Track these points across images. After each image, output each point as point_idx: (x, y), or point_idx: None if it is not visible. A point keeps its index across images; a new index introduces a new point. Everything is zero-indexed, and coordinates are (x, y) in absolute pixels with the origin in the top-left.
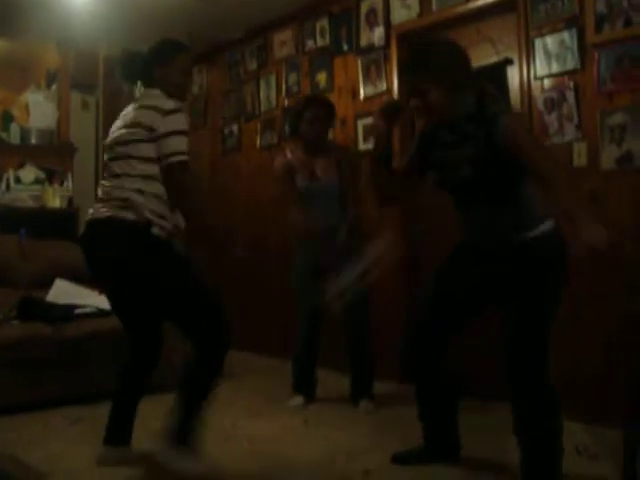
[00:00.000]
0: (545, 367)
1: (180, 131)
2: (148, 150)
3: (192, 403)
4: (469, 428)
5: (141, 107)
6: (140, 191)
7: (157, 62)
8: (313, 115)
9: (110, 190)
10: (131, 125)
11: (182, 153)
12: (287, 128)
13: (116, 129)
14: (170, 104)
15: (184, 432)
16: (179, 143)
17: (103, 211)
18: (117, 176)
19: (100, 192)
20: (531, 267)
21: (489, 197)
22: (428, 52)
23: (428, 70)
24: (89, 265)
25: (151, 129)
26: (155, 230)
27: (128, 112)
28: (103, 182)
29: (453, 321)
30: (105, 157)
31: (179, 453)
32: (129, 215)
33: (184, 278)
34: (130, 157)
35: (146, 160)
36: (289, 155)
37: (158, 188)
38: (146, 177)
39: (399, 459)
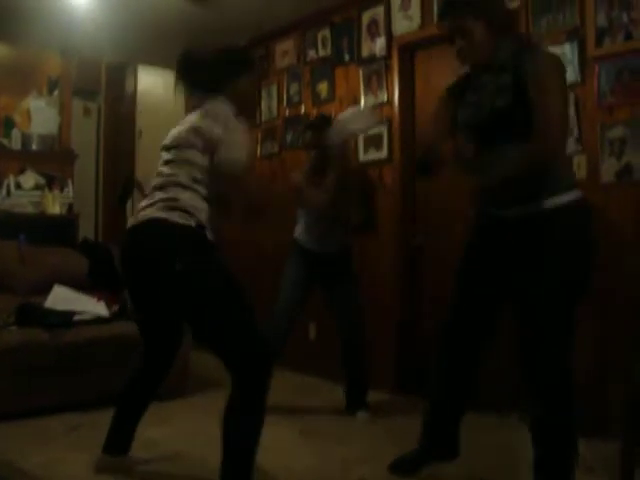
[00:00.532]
0: (568, 361)
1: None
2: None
3: (240, 454)
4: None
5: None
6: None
7: (232, 72)
8: (309, 140)
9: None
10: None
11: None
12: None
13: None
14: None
15: None
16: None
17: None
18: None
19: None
20: (550, 244)
21: (519, 135)
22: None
23: (471, 5)
24: (129, 268)
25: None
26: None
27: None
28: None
29: (482, 319)
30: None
31: None
32: (185, 218)
33: (235, 298)
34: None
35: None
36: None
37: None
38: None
39: (396, 467)
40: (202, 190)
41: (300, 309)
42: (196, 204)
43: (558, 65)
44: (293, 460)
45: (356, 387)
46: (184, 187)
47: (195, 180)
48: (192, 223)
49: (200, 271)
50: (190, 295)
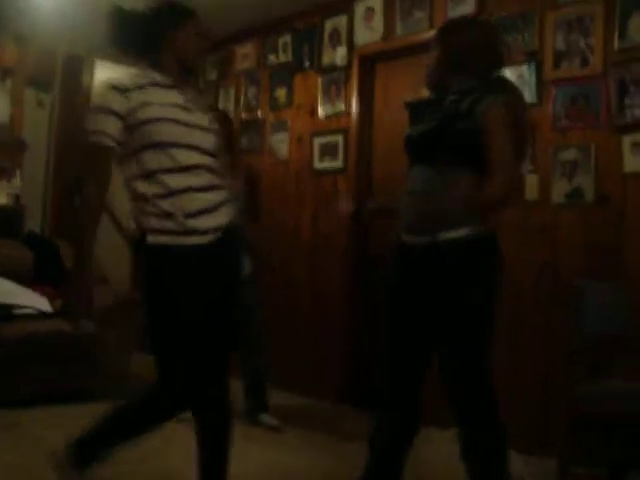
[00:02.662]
0: (486, 368)
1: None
2: None
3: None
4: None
5: None
6: None
7: (167, 25)
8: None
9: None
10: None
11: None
12: None
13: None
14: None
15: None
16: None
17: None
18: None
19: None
20: (447, 275)
21: (446, 160)
22: (459, 25)
23: (445, 39)
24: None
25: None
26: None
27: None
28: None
29: (418, 358)
30: None
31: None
32: None
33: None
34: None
35: None
36: None
37: None
38: None
39: None
40: None
41: None
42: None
43: (502, 113)
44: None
45: (258, 388)
46: None
47: None
48: None
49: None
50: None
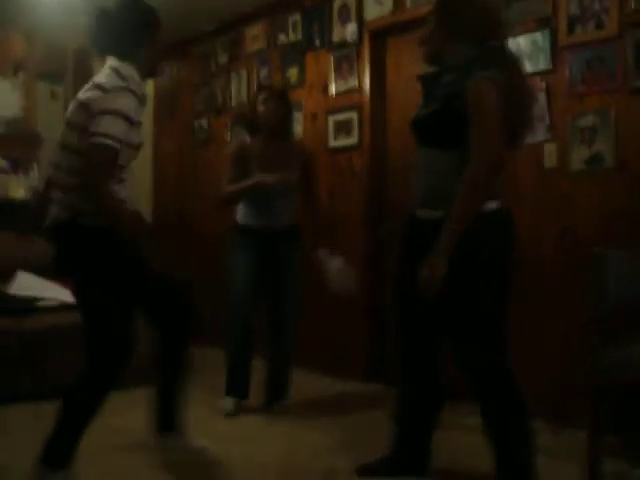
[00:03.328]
0: (494, 355)
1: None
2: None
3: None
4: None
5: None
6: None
7: (144, 39)
8: (265, 96)
9: None
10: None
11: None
12: (245, 127)
13: None
14: (118, 82)
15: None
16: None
17: None
18: None
19: None
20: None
21: (444, 143)
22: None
23: (444, 4)
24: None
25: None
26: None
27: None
28: None
29: (429, 335)
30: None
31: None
32: None
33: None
34: None
35: None
36: (247, 140)
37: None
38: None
39: (364, 471)
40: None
41: (257, 298)
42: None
43: (487, 93)
44: (259, 448)
45: (281, 376)
46: None
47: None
48: None
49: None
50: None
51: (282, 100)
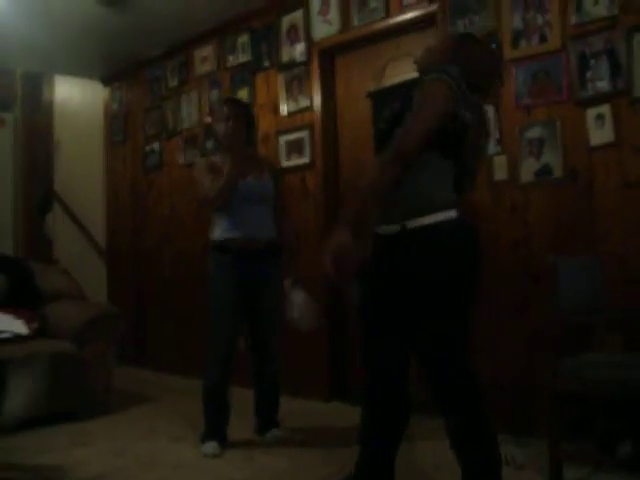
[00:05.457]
0: (459, 367)
1: None
2: None
3: None
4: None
5: None
6: None
7: None
8: (227, 112)
9: None
10: None
11: None
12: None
13: None
14: None
15: None
16: None
17: None
18: None
19: None
20: (406, 264)
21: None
22: (465, 38)
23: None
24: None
25: None
26: None
27: None
28: None
29: (397, 353)
30: None
31: None
32: None
33: None
34: None
35: None
36: (213, 158)
37: None
38: None
39: None
40: None
41: (240, 321)
42: None
43: (429, 92)
44: (222, 475)
45: (271, 405)
46: None
47: None
48: None
49: None
50: None
51: (244, 117)
